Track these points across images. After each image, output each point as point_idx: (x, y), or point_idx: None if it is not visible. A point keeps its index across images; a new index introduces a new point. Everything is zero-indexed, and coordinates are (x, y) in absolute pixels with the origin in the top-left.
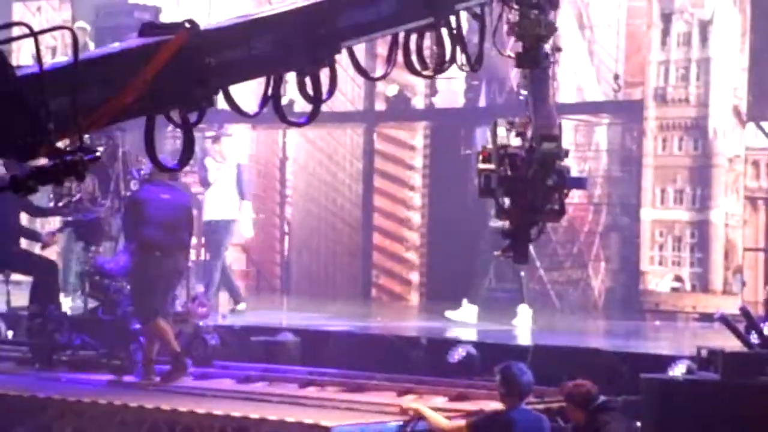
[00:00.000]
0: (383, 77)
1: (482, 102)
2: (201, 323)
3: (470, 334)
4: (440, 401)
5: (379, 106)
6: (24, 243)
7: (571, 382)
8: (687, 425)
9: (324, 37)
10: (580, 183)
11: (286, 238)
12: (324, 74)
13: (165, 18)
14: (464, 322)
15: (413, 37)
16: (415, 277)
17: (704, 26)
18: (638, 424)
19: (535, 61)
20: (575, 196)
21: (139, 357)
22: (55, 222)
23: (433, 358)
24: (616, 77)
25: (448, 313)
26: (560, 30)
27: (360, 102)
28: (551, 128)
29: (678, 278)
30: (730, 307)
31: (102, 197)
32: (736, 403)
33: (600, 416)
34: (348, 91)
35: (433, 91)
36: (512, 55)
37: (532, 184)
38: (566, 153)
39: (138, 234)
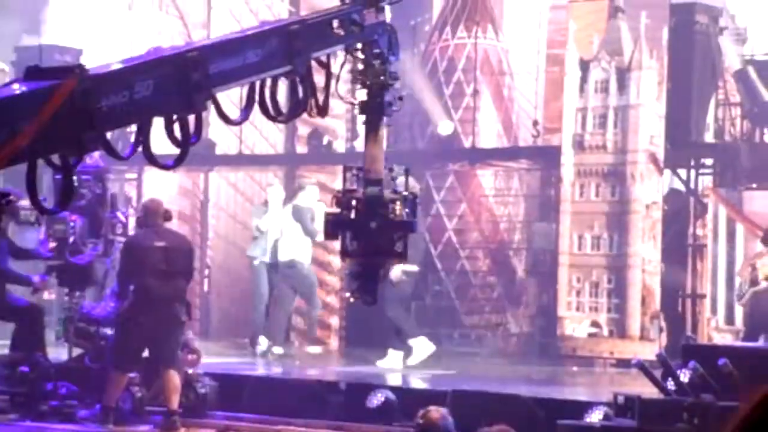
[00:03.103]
0: (242, 122)
1: (404, 146)
2: (190, 371)
3: (390, 379)
4: None
5: (300, 149)
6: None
7: (490, 428)
8: None
9: (198, 82)
10: (407, 227)
11: (205, 281)
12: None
13: (87, 60)
14: (392, 369)
15: (268, 85)
16: (335, 321)
17: (622, 74)
18: None
19: (379, 109)
20: (495, 242)
21: (128, 405)
22: (38, 266)
23: (352, 403)
24: (536, 123)
25: (379, 363)
26: (479, 76)
27: (281, 145)
28: (375, 173)
29: (595, 324)
30: (648, 353)
31: (91, 241)
32: None
33: None
34: (269, 135)
35: (354, 135)
36: (355, 102)
37: (362, 227)
38: (407, 197)
39: (135, 281)
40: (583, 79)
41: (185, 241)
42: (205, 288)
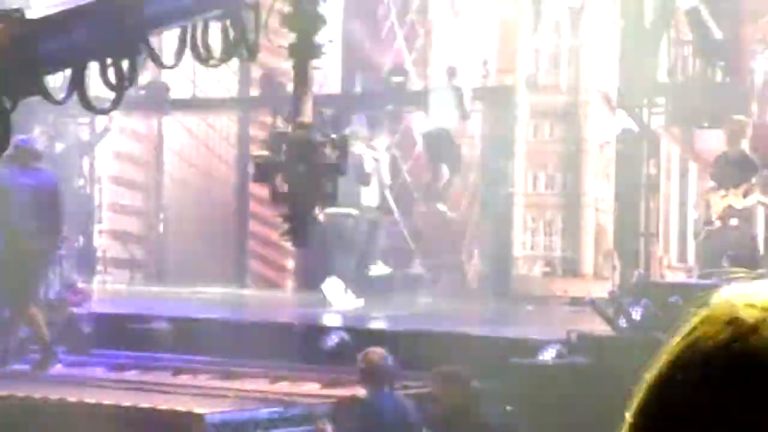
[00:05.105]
0: (174, 65)
1: (358, 88)
2: (75, 311)
3: (345, 321)
4: (313, 387)
5: (254, 92)
6: None
7: (443, 368)
8: (557, 409)
9: (133, 26)
10: (336, 169)
11: (161, 225)
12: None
13: (35, 8)
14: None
15: (200, 28)
16: (290, 263)
17: (575, 13)
18: (508, 408)
19: (309, 52)
20: (453, 183)
21: (11, 345)
22: None
23: (307, 344)
24: (485, 63)
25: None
26: (432, 16)
27: (235, 88)
28: (303, 116)
29: (549, 263)
30: (601, 291)
31: None
32: (604, 387)
33: (472, 402)
34: (222, 78)
35: None
36: (285, 44)
37: (290, 170)
38: (336, 140)
39: (2, 219)
40: (536, 19)
41: (50, 179)
42: (161, 232)
